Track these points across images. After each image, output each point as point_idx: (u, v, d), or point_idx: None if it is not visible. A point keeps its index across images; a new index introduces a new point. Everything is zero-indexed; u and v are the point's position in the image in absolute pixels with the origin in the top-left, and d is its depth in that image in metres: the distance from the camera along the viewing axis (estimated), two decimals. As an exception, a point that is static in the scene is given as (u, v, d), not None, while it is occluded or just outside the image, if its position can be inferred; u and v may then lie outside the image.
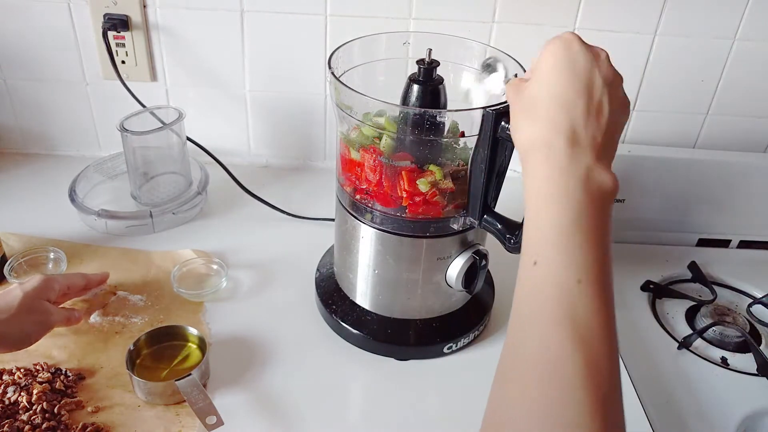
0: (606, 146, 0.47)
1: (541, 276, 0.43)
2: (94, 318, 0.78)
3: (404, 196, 0.66)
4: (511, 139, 0.59)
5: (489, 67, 0.59)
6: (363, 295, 0.77)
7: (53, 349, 0.73)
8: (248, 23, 0.99)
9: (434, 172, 0.65)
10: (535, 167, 0.47)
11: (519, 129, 0.51)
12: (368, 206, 0.70)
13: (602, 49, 0.50)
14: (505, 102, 0.60)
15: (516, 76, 0.67)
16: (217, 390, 0.70)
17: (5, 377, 0.69)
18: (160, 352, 0.73)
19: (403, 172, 0.66)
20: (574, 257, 0.43)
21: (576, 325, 0.40)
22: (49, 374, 0.69)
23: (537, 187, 0.47)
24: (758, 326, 0.91)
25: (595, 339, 0.40)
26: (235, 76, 1.04)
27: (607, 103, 0.48)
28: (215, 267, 0.86)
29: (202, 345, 0.72)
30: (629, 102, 0.51)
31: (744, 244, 1.09)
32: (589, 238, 0.43)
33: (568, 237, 0.43)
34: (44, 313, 0.69)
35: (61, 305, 0.75)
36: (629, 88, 1.04)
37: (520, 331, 0.44)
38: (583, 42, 0.49)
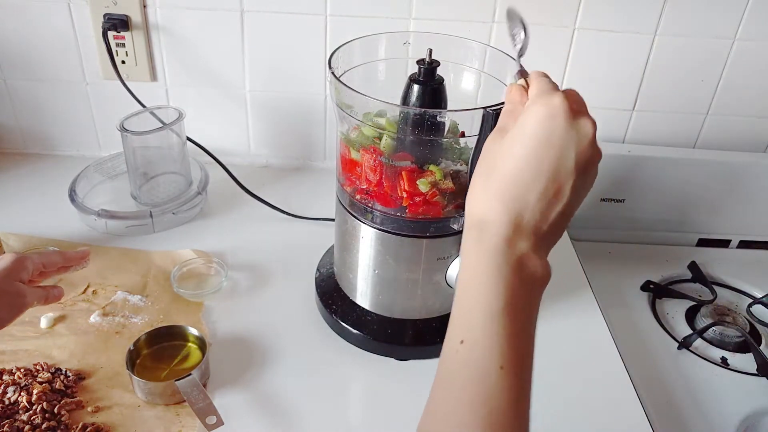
0: (549, 234, 0.47)
1: (465, 356, 0.44)
2: (94, 318, 0.78)
3: (404, 196, 0.66)
4: None
5: (512, 17, 0.56)
6: (363, 295, 0.77)
7: (53, 349, 0.73)
8: (248, 23, 0.99)
9: (434, 172, 0.65)
10: (472, 243, 0.47)
11: (472, 198, 0.49)
12: (368, 206, 0.70)
13: (591, 123, 0.46)
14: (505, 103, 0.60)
15: (516, 79, 0.67)
16: (217, 390, 0.70)
17: (5, 377, 0.69)
18: (160, 352, 0.73)
19: (403, 172, 0.66)
20: (499, 344, 0.43)
21: (490, 412, 0.41)
22: (49, 374, 0.69)
23: (471, 264, 0.46)
24: (758, 326, 0.91)
25: (506, 428, 0.41)
26: (235, 76, 1.04)
27: (569, 189, 0.45)
28: (215, 267, 0.86)
29: (202, 345, 0.72)
30: (596, 175, 0.48)
31: (744, 244, 1.09)
32: (515, 326, 0.44)
33: (496, 322, 0.43)
34: (17, 295, 0.65)
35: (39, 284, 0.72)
36: (629, 88, 1.05)
37: (439, 402, 0.45)
38: (571, 115, 0.45)
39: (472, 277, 0.46)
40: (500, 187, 0.46)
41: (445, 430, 0.43)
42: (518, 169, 0.46)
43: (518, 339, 0.44)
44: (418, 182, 0.65)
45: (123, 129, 0.91)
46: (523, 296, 0.45)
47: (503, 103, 0.59)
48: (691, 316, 0.93)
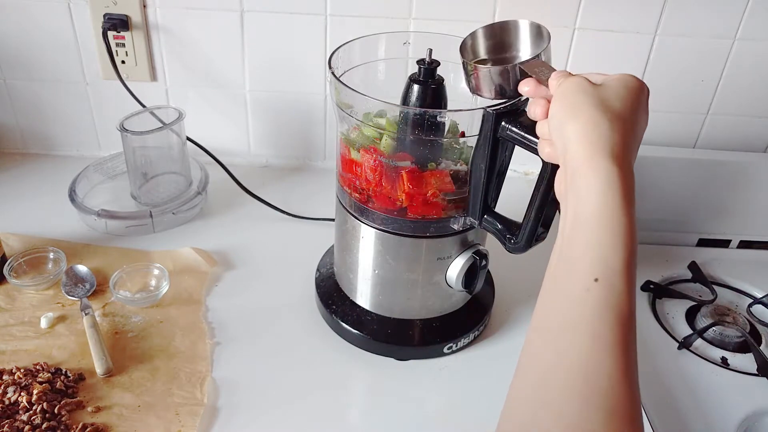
0: None
1: (600, 297, 0.41)
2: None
3: (404, 196, 0.66)
4: (512, 139, 0.60)
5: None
6: (363, 295, 0.77)
7: (53, 349, 0.73)
8: (248, 23, 0.99)
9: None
10: (603, 173, 0.45)
11: (593, 126, 0.47)
12: (368, 206, 0.70)
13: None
14: (505, 102, 0.60)
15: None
16: (216, 390, 0.70)
17: (5, 377, 0.69)
18: None
19: (403, 173, 0.66)
20: (632, 287, 0.42)
21: (627, 355, 0.40)
22: (49, 374, 0.69)
23: (600, 198, 0.44)
24: (758, 326, 0.91)
25: (635, 369, 0.41)
26: (235, 76, 1.04)
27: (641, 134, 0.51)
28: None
29: None
30: None
31: (744, 244, 1.09)
32: (636, 269, 0.43)
33: (633, 265, 0.42)
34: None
35: None
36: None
37: (562, 346, 0.42)
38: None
39: (601, 211, 0.44)
40: (625, 128, 0.47)
41: (578, 366, 0.40)
42: (631, 116, 0.48)
43: (635, 284, 0.43)
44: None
45: (123, 129, 0.91)
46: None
47: (503, 103, 0.59)
48: (691, 316, 0.93)
